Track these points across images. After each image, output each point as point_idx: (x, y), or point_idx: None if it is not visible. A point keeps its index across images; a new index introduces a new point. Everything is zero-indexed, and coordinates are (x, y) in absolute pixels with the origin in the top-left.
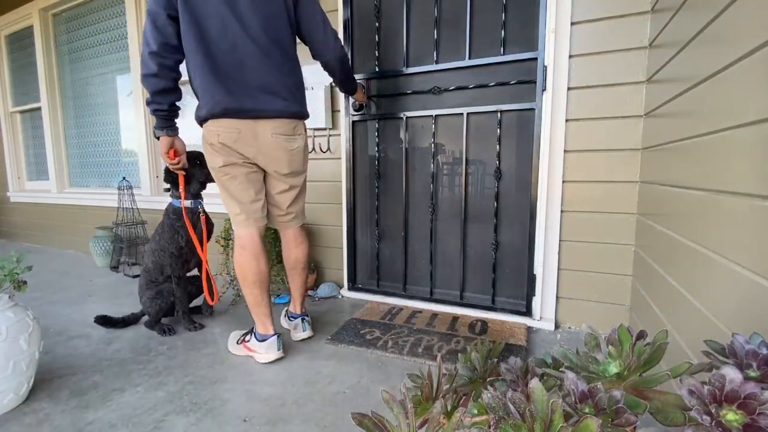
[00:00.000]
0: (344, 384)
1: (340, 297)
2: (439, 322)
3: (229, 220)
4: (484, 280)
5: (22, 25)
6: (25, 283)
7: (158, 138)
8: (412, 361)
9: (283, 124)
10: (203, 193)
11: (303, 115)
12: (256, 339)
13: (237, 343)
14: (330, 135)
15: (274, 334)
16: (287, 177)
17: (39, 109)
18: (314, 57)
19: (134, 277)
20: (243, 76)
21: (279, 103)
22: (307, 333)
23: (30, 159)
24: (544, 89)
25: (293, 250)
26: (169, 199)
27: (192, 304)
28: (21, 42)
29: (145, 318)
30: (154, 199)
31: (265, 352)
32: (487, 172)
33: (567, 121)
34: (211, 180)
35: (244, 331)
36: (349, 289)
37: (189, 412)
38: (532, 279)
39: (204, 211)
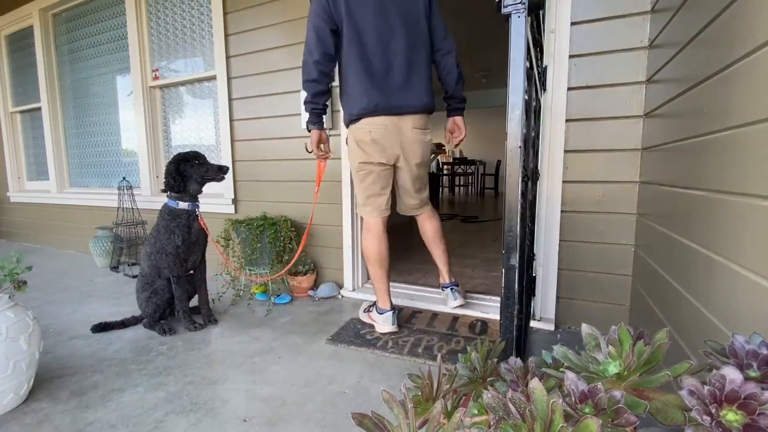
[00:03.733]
0: (344, 384)
1: (340, 297)
2: (439, 322)
3: (229, 220)
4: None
5: (22, 25)
6: (25, 283)
7: (309, 131)
8: (412, 361)
9: (420, 118)
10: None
11: (433, 109)
12: (378, 312)
13: (363, 311)
14: (330, 135)
15: (390, 310)
16: (417, 168)
17: (39, 109)
18: (437, 52)
19: (134, 277)
20: (391, 77)
21: (417, 99)
22: (459, 301)
23: (30, 159)
24: (543, 89)
25: (428, 224)
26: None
27: (191, 304)
28: (21, 42)
29: (145, 320)
30: (154, 199)
31: (383, 323)
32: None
33: (567, 121)
34: (209, 179)
35: (372, 302)
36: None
37: (189, 412)
38: (531, 279)
39: (200, 215)
